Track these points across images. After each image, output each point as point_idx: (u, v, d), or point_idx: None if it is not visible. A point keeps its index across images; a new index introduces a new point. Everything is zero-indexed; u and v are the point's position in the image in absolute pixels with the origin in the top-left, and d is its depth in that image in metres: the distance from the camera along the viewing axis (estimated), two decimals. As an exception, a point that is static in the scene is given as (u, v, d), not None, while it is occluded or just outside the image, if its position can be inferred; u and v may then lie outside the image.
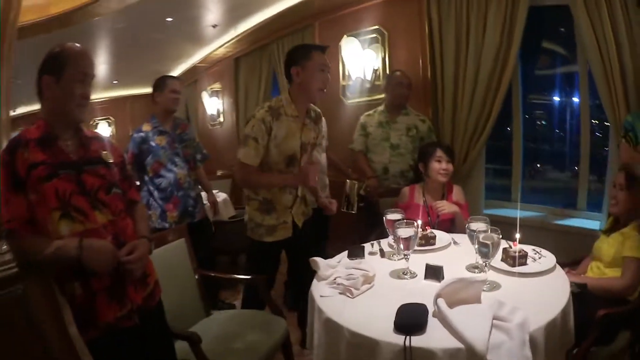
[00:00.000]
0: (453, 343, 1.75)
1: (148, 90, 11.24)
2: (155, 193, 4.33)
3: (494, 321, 1.83)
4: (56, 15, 5.08)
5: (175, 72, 10.31)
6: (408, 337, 1.75)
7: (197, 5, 5.99)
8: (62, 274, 1.95)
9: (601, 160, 4.31)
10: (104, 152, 2.22)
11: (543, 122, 5.61)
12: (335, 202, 3.58)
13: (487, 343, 1.71)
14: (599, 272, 2.97)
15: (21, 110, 9.58)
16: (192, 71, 9.77)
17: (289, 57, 3.23)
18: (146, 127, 4.38)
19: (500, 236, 2.28)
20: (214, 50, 8.30)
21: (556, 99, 4.94)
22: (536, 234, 4.02)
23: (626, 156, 3.60)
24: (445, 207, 3.56)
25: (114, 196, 2.17)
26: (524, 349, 1.73)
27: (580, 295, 2.65)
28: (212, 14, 6.46)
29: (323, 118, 3.94)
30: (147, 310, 2.23)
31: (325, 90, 3.23)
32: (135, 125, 11.78)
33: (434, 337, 1.80)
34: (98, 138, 2.28)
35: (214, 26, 7.06)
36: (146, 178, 4.35)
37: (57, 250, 1.86)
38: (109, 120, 12.38)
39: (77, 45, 2.12)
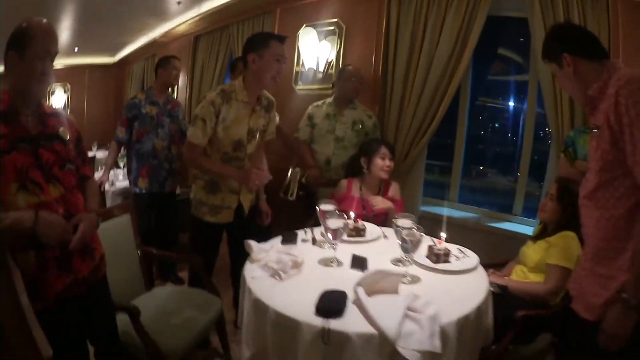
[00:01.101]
0: (368, 329, 1.88)
1: (107, 60, 11.12)
2: (134, 158, 4.62)
3: (408, 312, 1.96)
4: None
5: (136, 44, 10.34)
6: (327, 321, 1.88)
7: (165, -18, 5.96)
8: (17, 243, 2.00)
9: (544, 168, 4.45)
10: (61, 129, 2.27)
11: (496, 125, 5.78)
12: (270, 216, 3.73)
13: (398, 331, 1.85)
14: (523, 276, 3.13)
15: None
16: (152, 45, 9.72)
17: (248, 44, 3.30)
18: (140, 95, 4.75)
19: (423, 234, 2.40)
20: (176, 27, 8.31)
21: (511, 104, 5.07)
22: (469, 234, 4.24)
23: (564, 170, 3.83)
24: (379, 204, 3.68)
25: (67, 172, 2.23)
26: (434, 339, 1.86)
27: (502, 296, 2.84)
28: (178, -10, 6.43)
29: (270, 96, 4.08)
30: (93, 281, 2.31)
31: (278, 80, 3.31)
32: (92, 93, 11.64)
33: (351, 322, 1.92)
34: (56, 114, 2.33)
35: (179, 3, 7.06)
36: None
37: (13, 221, 1.91)
38: (66, 87, 12.18)
39: (44, 21, 2.15)
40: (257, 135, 3.47)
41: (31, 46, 2.05)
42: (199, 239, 3.54)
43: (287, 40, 3.43)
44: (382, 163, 3.78)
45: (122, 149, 5.08)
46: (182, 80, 8.50)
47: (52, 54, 2.15)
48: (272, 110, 3.62)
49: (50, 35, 2.14)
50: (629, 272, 1.84)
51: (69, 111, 11.59)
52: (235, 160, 3.41)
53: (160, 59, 4.91)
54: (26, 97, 2.13)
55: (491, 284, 2.73)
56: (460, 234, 4.00)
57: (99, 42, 9.98)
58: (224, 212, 3.43)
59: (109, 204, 5.23)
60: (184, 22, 8.00)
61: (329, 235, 2.56)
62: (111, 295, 2.54)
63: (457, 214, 5.04)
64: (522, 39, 4.48)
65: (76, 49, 10.23)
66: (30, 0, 5.56)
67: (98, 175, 4.90)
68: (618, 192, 1.93)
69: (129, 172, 4.94)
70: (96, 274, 2.35)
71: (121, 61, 12.14)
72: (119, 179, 5.69)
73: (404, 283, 2.33)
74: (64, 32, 8.39)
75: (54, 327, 2.08)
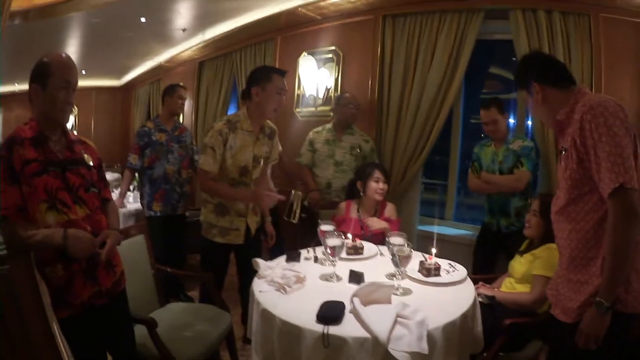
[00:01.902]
0: (363, 333, 2.13)
1: (114, 83, 11.28)
2: (147, 183, 4.85)
3: (398, 318, 2.21)
4: (40, 6, 5.20)
5: (142, 68, 10.51)
6: (326, 327, 2.14)
7: (170, 9, 6.20)
8: (47, 256, 2.23)
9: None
10: (86, 155, 2.51)
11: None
12: (275, 237, 3.98)
13: (389, 335, 2.09)
14: (511, 287, 3.32)
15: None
16: (157, 69, 9.89)
17: (251, 77, 3.54)
18: (149, 124, 4.98)
19: (412, 250, 2.67)
20: (181, 52, 8.46)
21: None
22: (465, 250, 4.44)
23: (472, 183, 4.26)
24: (375, 225, 3.86)
25: (92, 194, 2.46)
26: (421, 343, 2.10)
27: (491, 306, 3.05)
28: (183, 19, 6.66)
29: (273, 125, 4.33)
30: (115, 293, 2.53)
31: (278, 111, 3.57)
32: (98, 114, 11.82)
33: (347, 328, 2.17)
34: (81, 141, 2.56)
35: (184, 30, 7.28)
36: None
37: (45, 237, 2.13)
38: (72, 109, 12.39)
39: (62, 55, 2.40)
40: (262, 162, 3.69)
41: (52, 78, 2.29)
42: (210, 259, 3.72)
43: (287, 74, 3.67)
44: (375, 186, 3.95)
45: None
46: (187, 105, 8.63)
47: (73, 84, 2.37)
48: (275, 137, 3.85)
49: (69, 67, 2.38)
50: (601, 278, 2.05)
51: (76, 132, 11.84)
52: (242, 185, 3.62)
53: (167, 88, 5.15)
54: (52, 124, 2.37)
55: (480, 294, 3.00)
56: (457, 250, 4.28)
57: (106, 66, 10.21)
58: (232, 233, 3.63)
59: (121, 225, 5.31)
60: (188, 49, 8.15)
61: (329, 253, 2.82)
62: (129, 308, 2.75)
63: (452, 231, 5.21)
64: (514, 58, 4.66)
65: (83, 72, 10.39)
66: (39, 25, 5.87)
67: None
68: (587, 207, 2.14)
69: (141, 197, 5.18)
70: (117, 287, 2.57)
71: (127, 84, 12.33)
72: (130, 201, 5.85)
73: (396, 294, 2.57)
74: (72, 55, 8.32)
75: (78, 334, 2.28)
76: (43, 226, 2.20)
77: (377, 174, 3.99)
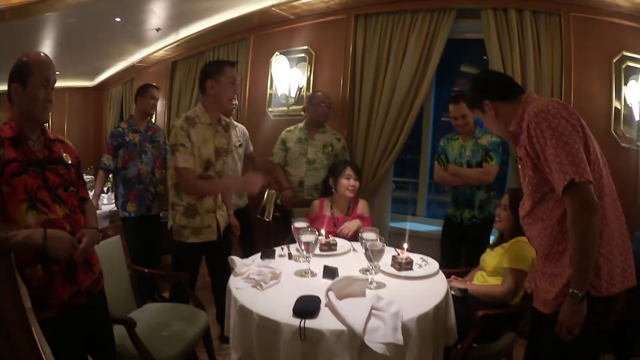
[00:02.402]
0: (338, 326, 2.19)
1: (87, 83, 11.13)
2: (121, 184, 4.87)
3: (373, 311, 2.28)
4: (15, 6, 5.17)
5: (115, 69, 10.42)
6: (303, 321, 2.19)
7: (145, 10, 6.17)
8: (27, 257, 2.24)
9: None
10: (65, 154, 2.52)
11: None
12: (239, 229, 4.03)
13: (364, 327, 2.16)
14: (483, 280, 3.40)
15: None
16: (131, 69, 9.83)
17: (204, 72, 3.62)
18: (123, 125, 4.98)
19: (384, 245, 2.74)
20: (154, 52, 8.42)
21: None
22: (436, 245, 4.53)
23: (438, 175, 4.38)
24: (351, 228, 3.92)
25: (70, 193, 2.47)
26: (396, 334, 2.17)
27: (464, 298, 3.12)
28: (157, 18, 6.61)
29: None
30: (93, 292, 2.54)
31: (233, 101, 3.76)
32: (71, 115, 11.67)
33: (324, 321, 2.24)
34: (59, 140, 2.58)
35: (157, 29, 7.21)
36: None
37: (24, 238, 2.13)
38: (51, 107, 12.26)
39: (41, 54, 2.41)
40: (222, 154, 3.74)
41: (32, 76, 2.30)
42: (183, 260, 3.72)
43: (237, 64, 3.78)
44: (347, 183, 4.03)
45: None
46: (160, 105, 8.57)
47: (52, 81, 2.40)
48: (230, 130, 3.91)
49: (47, 65, 2.39)
50: (571, 269, 2.14)
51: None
52: (207, 180, 3.65)
53: (139, 88, 5.16)
54: (31, 122, 2.37)
55: (452, 288, 3.07)
56: (429, 245, 4.36)
57: (80, 66, 10.08)
58: (205, 231, 3.65)
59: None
60: (161, 48, 8.13)
61: (303, 249, 2.88)
62: (108, 307, 2.76)
63: (424, 227, 5.32)
64: (485, 57, 4.71)
65: (58, 73, 10.27)
66: (15, 25, 5.83)
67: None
68: (550, 205, 2.25)
69: (116, 198, 5.20)
70: (96, 286, 2.58)
71: (100, 85, 12.21)
72: (104, 202, 5.82)
73: (370, 288, 2.64)
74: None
75: (58, 334, 2.29)
76: (23, 226, 2.21)
77: (349, 171, 4.06)
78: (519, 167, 2.43)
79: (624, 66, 4.26)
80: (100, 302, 2.67)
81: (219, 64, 3.64)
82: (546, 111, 2.16)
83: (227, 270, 3.05)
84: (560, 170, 2.06)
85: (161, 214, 5.25)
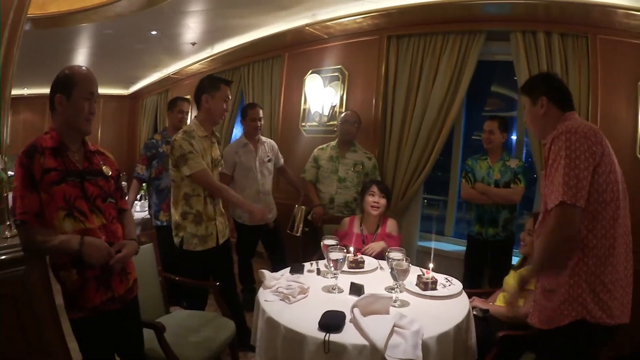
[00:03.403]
0: (361, 341, 2.28)
1: (122, 91, 11.35)
2: (154, 193, 5.00)
3: (395, 328, 2.37)
4: (53, 15, 5.30)
5: (150, 79, 10.66)
6: (328, 334, 2.29)
7: (181, 24, 6.33)
8: (62, 261, 2.36)
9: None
10: (104, 167, 2.63)
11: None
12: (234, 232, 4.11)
13: (386, 343, 2.24)
14: (505, 301, 3.37)
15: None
16: (165, 80, 10.02)
17: (200, 86, 3.75)
18: (157, 137, 5.13)
19: (410, 265, 2.82)
20: (189, 65, 8.57)
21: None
22: (462, 265, 4.58)
23: (465, 192, 4.46)
24: (375, 249, 3.95)
25: (109, 205, 2.58)
26: (416, 350, 2.25)
27: (485, 319, 3.19)
28: (193, 33, 6.78)
29: (270, 140, 4.87)
30: (127, 300, 2.64)
31: (224, 116, 3.86)
32: (105, 122, 11.87)
33: (347, 336, 2.33)
34: (100, 153, 2.68)
35: (193, 44, 7.42)
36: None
37: (61, 242, 2.26)
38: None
39: (84, 67, 2.52)
40: (217, 165, 3.89)
41: (76, 89, 2.41)
42: (193, 270, 3.77)
43: (232, 84, 4.05)
44: (371, 199, 4.11)
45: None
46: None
47: (95, 95, 2.51)
48: (221, 144, 4.09)
49: (92, 79, 2.51)
50: (567, 286, 2.25)
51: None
52: (205, 190, 3.75)
53: (169, 102, 5.30)
54: (74, 133, 2.49)
55: (474, 308, 3.13)
56: (453, 265, 4.41)
57: (115, 75, 10.33)
58: (209, 239, 3.76)
59: None
60: (197, 62, 8.26)
61: (331, 265, 2.96)
62: (140, 315, 2.86)
63: (451, 247, 5.36)
64: (514, 78, 4.79)
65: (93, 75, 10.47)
66: (50, 32, 5.98)
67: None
68: None
69: (149, 207, 5.35)
70: (130, 294, 2.68)
71: (135, 94, 12.50)
72: (137, 209, 5.96)
73: (394, 306, 2.72)
74: (81, 63, 8.42)
75: (89, 335, 2.44)
76: (60, 233, 2.32)
77: (373, 188, 4.15)
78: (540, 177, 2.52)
79: None
80: (133, 309, 2.77)
81: (215, 80, 3.79)
82: (573, 132, 2.23)
83: (230, 275, 3.34)
84: (559, 190, 2.15)
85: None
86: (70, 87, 2.41)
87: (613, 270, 2.23)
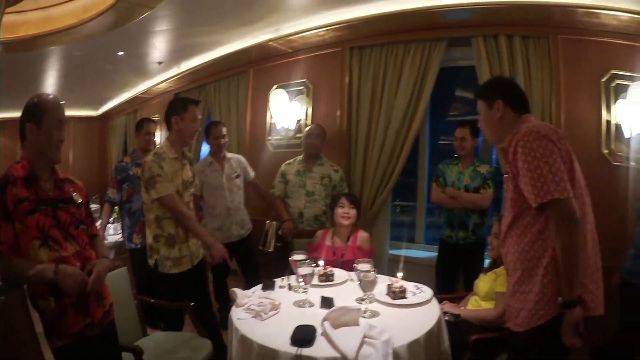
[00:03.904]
0: (333, 353, 2.32)
1: (91, 113, 11.25)
2: (126, 216, 5.00)
3: (365, 339, 2.41)
4: (22, 38, 5.27)
5: (119, 99, 10.62)
6: (300, 349, 2.33)
7: (147, 44, 6.34)
8: (40, 290, 2.37)
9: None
10: (75, 194, 2.65)
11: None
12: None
13: (357, 354, 2.29)
14: (476, 305, 3.51)
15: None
16: (134, 100, 9.98)
17: (170, 109, 3.80)
18: (127, 159, 5.15)
19: (377, 275, 2.85)
20: (157, 84, 8.56)
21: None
22: (433, 271, 4.63)
23: (435, 196, 4.55)
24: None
25: (81, 231, 2.60)
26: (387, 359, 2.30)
27: (457, 323, 3.23)
28: (159, 52, 6.80)
29: (237, 156, 4.92)
30: (104, 324, 2.65)
31: (195, 136, 3.89)
32: (76, 144, 11.77)
33: (319, 349, 2.37)
34: (69, 180, 2.70)
35: (160, 63, 7.41)
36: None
37: (37, 272, 2.26)
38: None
39: (51, 96, 2.57)
40: (189, 186, 3.90)
41: (46, 117, 2.45)
42: (167, 292, 3.78)
43: (200, 103, 4.13)
44: (341, 211, 4.15)
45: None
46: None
47: (63, 123, 2.55)
48: (193, 165, 4.08)
49: (59, 107, 2.55)
50: (541, 285, 2.28)
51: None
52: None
53: (137, 123, 5.35)
54: (44, 161, 2.51)
55: (446, 313, 3.18)
56: (425, 271, 4.45)
57: (84, 96, 10.30)
58: (183, 261, 3.78)
59: None
60: (164, 80, 8.26)
61: (301, 280, 3.00)
62: (118, 338, 2.87)
63: (422, 254, 5.41)
64: (478, 81, 4.82)
65: (62, 102, 10.40)
66: (22, 57, 5.99)
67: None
68: (525, 221, 2.38)
69: (122, 230, 5.33)
70: (107, 317, 2.69)
71: (104, 115, 12.41)
72: (110, 232, 5.96)
73: (365, 317, 2.76)
74: (51, 86, 8.67)
75: None
76: (36, 262, 2.33)
77: (343, 200, 4.21)
78: (504, 180, 2.55)
79: (613, 85, 4.33)
80: (112, 333, 2.78)
81: (184, 101, 3.86)
82: (536, 132, 2.30)
83: (206, 294, 3.41)
84: (541, 187, 2.20)
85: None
86: (40, 115, 2.44)
87: (584, 264, 2.25)
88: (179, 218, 3.70)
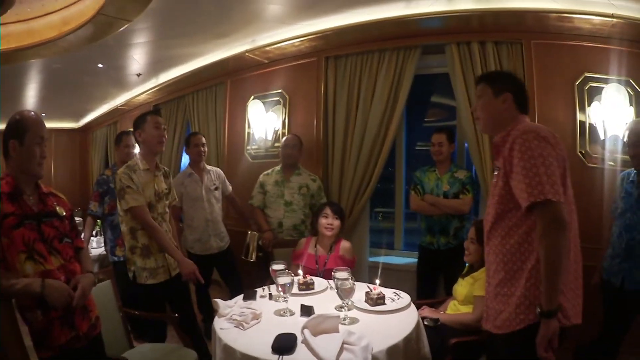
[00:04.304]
0: (313, 360, 2.38)
1: (72, 125, 11.24)
2: (109, 230, 5.04)
3: (345, 345, 2.47)
4: (3, 51, 5.31)
5: (99, 111, 10.64)
6: (281, 357, 2.39)
7: (126, 56, 6.39)
8: (27, 303, 2.41)
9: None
10: (58, 207, 2.69)
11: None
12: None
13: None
14: (455, 309, 3.57)
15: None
16: (114, 112, 10.00)
17: (133, 126, 3.91)
18: (108, 172, 5.17)
19: (354, 283, 2.91)
20: (136, 96, 8.60)
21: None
22: (413, 277, 4.70)
23: (414, 204, 4.61)
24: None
25: (65, 245, 2.64)
26: (366, 366, 2.37)
27: (437, 327, 3.30)
28: (138, 64, 6.84)
29: (216, 169, 4.99)
30: (91, 337, 2.69)
31: (164, 143, 3.94)
32: (57, 156, 11.76)
33: (300, 356, 2.43)
34: (53, 194, 2.74)
35: (138, 75, 7.45)
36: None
37: (24, 286, 2.30)
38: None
39: (33, 113, 2.61)
40: (163, 198, 3.97)
41: (28, 134, 2.49)
42: (148, 303, 3.81)
43: (160, 111, 4.24)
44: (325, 221, 4.18)
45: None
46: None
47: (45, 139, 2.59)
48: (169, 178, 4.16)
49: (41, 124, 2.59)
50: (524, 289, 2.28)
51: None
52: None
53: (116, 137, 5.35)
54: (28, 178, 2.57)
55: (425, 318, 3.25)
56: (404, 278, 4.51)
57: (64, 109, 10.33)
58: (160, 271, 3.82)
59: None
60: (143, 92, 8.29)
61: (280, 290, 3.06)
62: (105, 351, 2.90)
63: (401, 260, 5.48)
64: (453, 88, 4.93)
65: (43, 115, 10.34)
66: (2, 71, 6.07)
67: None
68: (511, 222, 2.39)
69: (105, 243, 5.33)
70: (93, 330, 2.73)
71: (85, 126, 12.42)
72: (93, 245, 5.95)
73: (344, 324, 2.82)
74: (32, 98, 8.71)
75: None
76: (22, 276, 2.37)
77: (327, 210, 4.23)
78: (494, 176, 2.55)
79: (586, 87, 4.42)
80: (99, 346, 2.82)
81: (143, 115, 3.95)
82: (536, 132, 2.31)
83: (188, 305, 3.54)
84: (535, 186, 2.20)
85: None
86: (22, 132, 2.49)
87: (566, 273, 2.27)
88: (148, 230, 3.74)
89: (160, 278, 3.80)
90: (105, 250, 5.30)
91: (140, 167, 3.79)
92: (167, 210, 4.02)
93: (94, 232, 5.86)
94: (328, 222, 4.18)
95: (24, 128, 2.50)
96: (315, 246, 4.26)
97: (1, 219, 2.36)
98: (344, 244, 4.24)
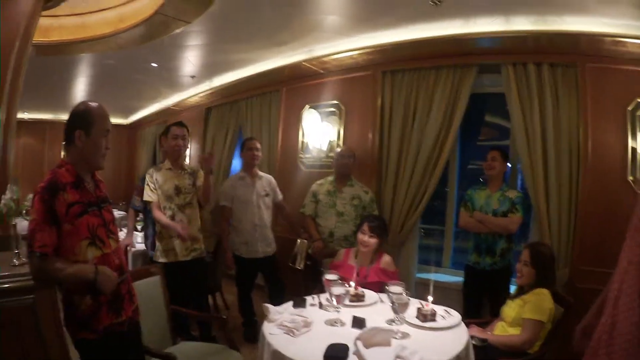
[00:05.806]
0: (365, 373, 2.37)
1: (121, 121, 11.43)
2: (150, 225, 5.12)
3: (397, 359, 2.46)
4: (56, 42, 5.38)
5: (149, 110, 10.83)
6: (332, 367, 2.38)
7: (180, 57, 6.48)
8: (77, 288, 2.45)
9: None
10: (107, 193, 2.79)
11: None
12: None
13: (388, 374, 2.34)
14: (503, 330, 3.53)
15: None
16: (165, 112, 10.11)
17: (161, 133, 4.55)
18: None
19: (410, 298, 2.92)
20: (188, 98, 8.69)
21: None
22: (460, 295, 4.68)
23: (463, 221, 4.59)
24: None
25: (115, 227, 2.74)
26: (418, 381, 2.35)
27: (484, 348, 3.26)
28: (192, 66, 6.94)
29: (269, 176, 5.17)
30: (133, 321, 2.74)
31: (180, 150, 4.58)
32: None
33: (351, 368, 2.42)
34: (102, 181, 2.82)
35: (192, 77, 7.57)
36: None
37: (77, 271, 2.36)
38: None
39: (98, 105, 2.66)
40: (184, 191, 4.62)
41: (95, 126, 2.55)
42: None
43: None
44: (361, 237, 4.13)
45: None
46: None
47: (110, 132, 2.65)
48: (197, 173, 4.76)
49: (107, 117, 2.66)
50: None
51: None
52: (168, 210, 4.53)
53: (165, 128, 5.29)
54: (88, 166, 2.63)
55: (473, 337, 3.20)
56: (451, 295, 4.47)
57: (114, 104, 10.41)
58: (170, 253, 4.54)
59: (130, 265, 5.51)
60: (196, 94, 8.38)
61: (334, 300, 3.06)
62: (142, 339, 2.94)
63: (449, 278, 5.43)
64: (507, 108, 4.90)
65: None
66: (53, 61, 6.15)
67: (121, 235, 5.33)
68: None
69: (145, 238, 5.42)
70: (136, 314, 2.79)
71: (134, 123, 12.63)
72: (138, 240, 6.02)
73: (396, 338, 2.80)
74: (81, 92, 8.85)
75: (97, 356, 2.52)
76: (82, 261, 2.43)
77: (364, 226, 4.16)
78: None
79: (638, 113, 4.35)
80: (137, 332, 2.86)
81: (168, 127, 4.83)
82: None
83: (203, 292, 4.00)
84: None
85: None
86: (90, 124, 2.54)
87: None
88: (155, 220, 4.59)
89: (169, 259, 4.51)
90: (145, 245, 5.38)
91: (165, 167, 4.63)
92: (192, 202, 4.62)
93: (139, 227, 5.95)
94: (364, 239, 4.13)
95: (91, 119, 2.55)
96: (355, 258, 4.24)
97: (67, 208, 2.41)
98: (385, 258, 4.20)
